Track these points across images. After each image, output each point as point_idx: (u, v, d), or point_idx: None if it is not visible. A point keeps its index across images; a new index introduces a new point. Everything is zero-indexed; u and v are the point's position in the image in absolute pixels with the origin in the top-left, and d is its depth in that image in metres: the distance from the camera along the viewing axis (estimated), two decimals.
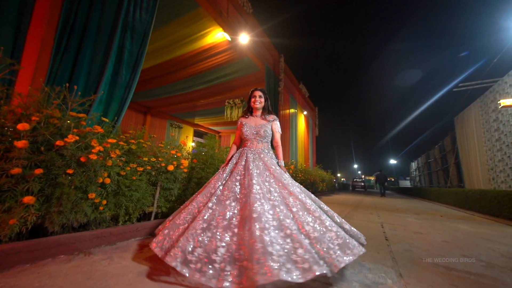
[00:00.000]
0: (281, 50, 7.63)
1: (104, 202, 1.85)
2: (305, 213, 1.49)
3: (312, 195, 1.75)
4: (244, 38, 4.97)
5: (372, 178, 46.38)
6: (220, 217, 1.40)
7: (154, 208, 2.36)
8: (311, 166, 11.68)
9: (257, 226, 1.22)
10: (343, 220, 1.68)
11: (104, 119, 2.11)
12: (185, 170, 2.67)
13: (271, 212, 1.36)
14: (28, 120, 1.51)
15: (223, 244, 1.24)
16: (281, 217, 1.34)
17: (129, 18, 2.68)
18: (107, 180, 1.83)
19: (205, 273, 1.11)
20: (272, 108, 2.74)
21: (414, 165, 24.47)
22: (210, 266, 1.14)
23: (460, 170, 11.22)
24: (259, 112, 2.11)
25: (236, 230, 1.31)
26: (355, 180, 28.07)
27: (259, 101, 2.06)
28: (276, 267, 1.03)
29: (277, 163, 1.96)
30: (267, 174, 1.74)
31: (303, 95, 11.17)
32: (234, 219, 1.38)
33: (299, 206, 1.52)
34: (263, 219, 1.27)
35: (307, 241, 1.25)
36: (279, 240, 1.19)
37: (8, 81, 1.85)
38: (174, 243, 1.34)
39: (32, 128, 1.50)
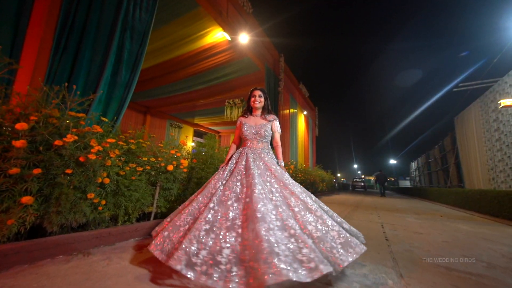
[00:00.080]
0: (281, 50, 7.62)
1: (103, 202, 1.84)
2: (307, 212, 1.50)
3: (312, 196, 1.74)
4: (244, 38, 4.96)
5: (372, 178, 46.39)
6: (223, 218, 1.39)
7: (153, 208, 2.36)
8: (311, 166, 11.68)
9: (262, 226, 1.21)
10: (343, 220, 1.68)
11: (103, 118, 2.10)
12: (185, 170, 2.66)
13: (274, 212, 1.36)
14: (26, 119, 1.50)
15: (228, 245, 1.22)
16: (284, 217, 1.34)
17: (129, 17, 2.68)
18: (106, 180, 1.82)
19: (211, 275, 1.09)
20: (272, 108, 2.73)
21: (414, 165, 24.47)
22: (216, 268, 1.12)
23: (460, 170, 11.22)
24: (259, 112, 2.11)
25: (240, 230, 1.30)
26: (355, 180, 28.06)
27: (259, 100, 2.05)
28: (283, 267, 1.02)
29: (277, 163, 1.95)
30: (268, 174, 1.74)
31: (303, 95, 11.16)
32: (237, 219, 1.37)
33: (301, 206, 1.53)
34: (267, 219, 1.27)
35: (310, 240, 1.25)
36: (284, 240, 1.19)
37: (6, 80, 1.84)
38: (176, 245, 1.31)
39: (30, 128, 1.49)
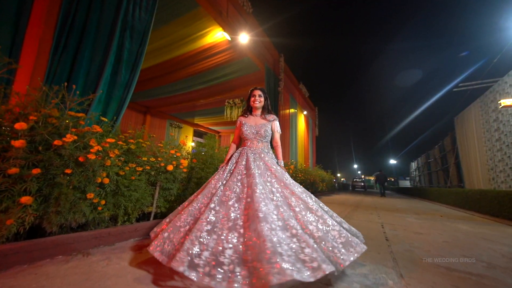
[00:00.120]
0: (281, 50, 7.62)
1: (103, 202, 1.84)
2: (308, 212, 1.50)
3: (312, 196, 1.74)
4: (244, 38, 4.96)
5: (372, 178, 46.40)
6: (224, 218, 1.38)
7: (153, 208, 2.35)
8: (311, 166, 11.67)
9: (264, 226, 1.21)
10: (342, 219, 1.68)
11: (103, 118, 2.10)
12: (185, 170, 2.66)
13: (275, 212, 1.36)
14: (26, 119, 1.50)
15: (230, 245, 1.22)
16: (286, 217, 1.35)
17: (129, 17, 2.67)
18: (106, 180, 1.81)
19: (214, 276, 1.09)
20: (272, 108, 2.73)
21: (414, 165, 24.48)
22: (218, 269, 1.11)
23: (460, 170, 11.22)
24: (258, 112, 2.10)
25: (242, 230, 1.29)
26: (355, 180, 28.05)
27: (258, 100, 2.05)
28: (287, 267, 1.02)
29: (277, 163, 1.95)
30: (269, 174, 1.74)
31: (303, 95, 11.16)
32: (239, 219, 1.36)
33: (301, 206, 1.54)
34: (269, 220, 1.27)
35: (312, 240, 1.26)
36: (286, 240, 1.19)
37: (6, 80, 1.84)
38: (177, 246, 1.30)
39: (30, 128, 1.49)
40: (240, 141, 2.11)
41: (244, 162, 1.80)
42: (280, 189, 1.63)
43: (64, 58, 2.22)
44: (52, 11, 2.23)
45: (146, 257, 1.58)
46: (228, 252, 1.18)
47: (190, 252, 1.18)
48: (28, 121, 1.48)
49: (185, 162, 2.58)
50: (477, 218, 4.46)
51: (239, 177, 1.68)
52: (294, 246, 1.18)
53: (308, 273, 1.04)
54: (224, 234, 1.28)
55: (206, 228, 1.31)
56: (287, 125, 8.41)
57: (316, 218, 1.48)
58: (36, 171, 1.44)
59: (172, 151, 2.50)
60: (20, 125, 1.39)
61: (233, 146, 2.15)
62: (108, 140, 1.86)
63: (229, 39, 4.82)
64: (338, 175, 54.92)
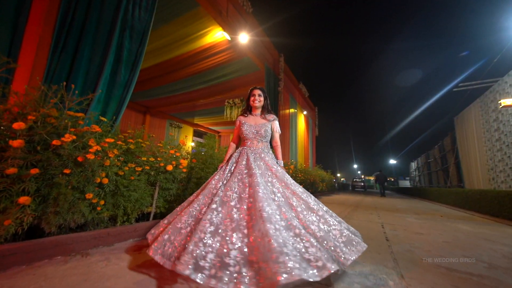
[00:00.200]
0: (281, 49, 7.61)
1: (102, 202, 1.83)
2: (309, 212, 1.51)
3: (312, 196, 1.74)
4: (244, 38, 4.95)
5: (372, 178, 46.40)
6: (227, 219, 1.36)
7: (152, 209, 2.34)
8: (311, 166, 11.67)
9: (269, 226, 1.20)
10: (342, 219, 1.68)
11: (102, 118, 2.09)
12: (184, 170, 2.65)
13: (278, 212, 1.36)
14: (24, 119, 1.49)
15: (235, 246, 1.21)
16: (289, 217, 1.35)
17: (128, 16, 2.66)
18: (105, 180, 1.81)
19: (221, 278, 1.07)
20: (272, 108, 2.72)
21: (413, 165, 24.47)
22: (225, 271, 1.10)
23: (460, 170, 11.21)
24: (258, 111, 2.09)
25: (245, 231, 1.28)
26: (354, 180, 28.03)
27: (258, 99, 2.04)
28: (294, 266, 1.02)
29: (277, 163, 1.94)
30: (269, 174, 1.73)
31: (303, 95, 11.15)
32: (242, 220, 1.35)
33: (303, 206, 1.55)
34: (273, 220, 1.26)
35: (314, 240, 1.26)
36: (290, 240, 1.19)
37: (4, 79, 1.83)
38: (178, 248, 1.28)
39: (28, 127, 1.48)
40: (240, 141, 2.10)
41: (244, 162, 1.79)
42: (281, 189, 1.63)
43: (63, 57, 2.21)
44: (51, 10, 2.22)
45: (146, 257, 1.58)
46: (233, 253, 1.17)
47: (195, 254, 1.15)
48: (27, 120, 1.47)
49: (184, 162, 2.58)
50: (477, 218, 4.46)
51: (240, 177, 1.67)
52: (298, 246, 1.18)
53: (314, 272, 1.04)
54: (228, 235, 1.26)
55: (209, 229, 1.29)
56: (287, 125, 8.40)
57: (318, 218, 1.49)
58: (34, 171, 1.43)
59: (172, 151, 2.49)
60: (18, 125, 1.38)
61: (233, 145, 2.15)
62: (107, 140, 1.85)
63: (229, 39, 4.81)
64: (338, 175, 54.92)
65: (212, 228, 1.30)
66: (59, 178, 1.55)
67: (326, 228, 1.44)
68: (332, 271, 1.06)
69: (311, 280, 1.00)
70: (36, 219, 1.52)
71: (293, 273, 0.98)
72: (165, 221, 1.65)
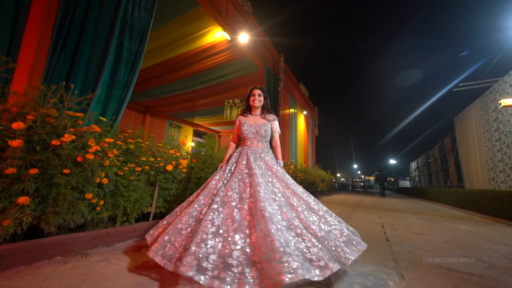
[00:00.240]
0: (281, 49, 7.61)
1: (102, 202, 1.82)
2: (310, 212, 1.52)
3: (312, 195, 1.74)
4: (244, 38, 4.94)
5: (372, 178, 46.40)
6: (228, 219, 1.36)
7: (152, 209, 2.34)
8: (310, 166, 11.66)
9: (271, 226, 1.20)
10: (341, 219, 1.68)
11: (102, 118, 2.08)
12: (184, 170, 2.65)
13: (279, 212, 1.37)
14: (23, 119, 1.49)
15: (237, 246, 1.20)
16: (290, 217, 1.36)
17: (128, 16, 2.66)
18: (105, 180, 1.80)
19: (224, 279, 1.07)
20: (272, 108, 2.72)
21: (413, 165, 24.47)
22: (228, 271, 1.10)
23: (460, 170, 11.21)
24: (258, 111, 2.09)
25: (247, 231, 1.28)
26: (354, 180, 28.02)
27: (258, 99, 2.04)
28: (297, 266, 1.02)
29: (276, 163, 1.94)
30: (270, 174, 1.73)
31: (303, 95, 11.15)
32: (243, 220, 1.35)
33: (303, 206, 1.55)
34: (274, 220, 1.26)
35: (316, 240, 1.26)
36: (292, 240, 1.19)
37: (4, 79, 1.82)
38: (179, 249, 1.27)
39: (27, 127, 1.47)
40: (239, 141, 2.09)
41: (244, 162, 1.79)
42: (281, 189, 1.63)
43: (63, 57, 2.21)
44: (51, 10, 2.22)
45: (145, 258, 1.57)
46: (236, 253, 1.17)
47: (198, 255, 1.14)
48: (26, 120, 1.47)
49: (184, 162, 2.57)
50: (477, 218, 4.45)
51: (240, 177, 1.66)
52: (300, 246, 1.18)
53: (317, 271, 1.05)
54: (230, 236, 1.26)
55: (211, 230, 1.28)
56: (287, 125, 8.40)
57: (318, 218, 1.50)
58: (33, 171, 1.42)
59: (172, 151, 2.49)
60: (17, 125, 1.38)
61: (232, 145, 2.14)
62: (107, 140, 1.84)
63: (229, 38, 4.80)
64: (338, 175, 54.94)
65: (213, 229, 1.30)
66: (59, 178, 1.55)
67: (326, 228, 1.45)
68: (334, 271, 1.06)
69: (314, 280, 1.01)
70: (36, 219, 1.51)
71: (297, 273, 0.98)
72: (164, 222, 1.64)
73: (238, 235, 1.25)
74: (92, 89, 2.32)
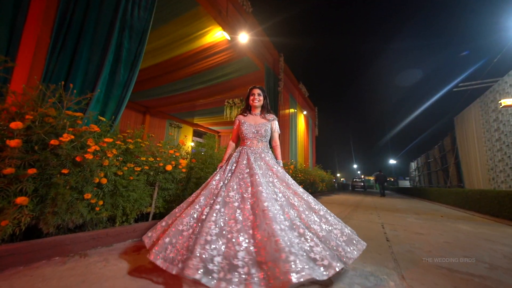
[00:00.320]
0: (281, 49, 7.60)
1: (101, 202, 1.82)
2: (311, 212, 1.52)
3: (311, 196, 1.73)
4: (244, 37, 4.94)
5: (372, 178, 46.39)
6: (231, 220, 1.35)
7: (152, 209, 2.33)
8: (310, 166, 11.65)
9: (275, 226, 1.19)
10: (340, 219, 1.67)
11: (101, 118, 2.08)
12: (184, 170, 2.64)
13: (281, 212, 1.37)
14: (22, 118, 1.48)
15: (242, 247, 1.19)
16: (292, 217, 1.37)
17: (127, 16, 2.65)
18: (104, 180, 1.79)
19: (231, 281, 1.05)
20: (272, 108, 2.71)
21: (413, 165, 24.47)
22: (234, 273, 1.09)
23: (460, 170, 11.21)
24: (258, 111, 2.08)
25: (251, 231, 1.26)
26: (354, 180, 28.01)
27: (258, 99, 2.03)
28: (303, 266, 1.02)
29: (276, 162, 1.93)
30: (270, 174, 1.73)
31: (303, 94, 11.14)
32: (246, 220, 1.34)
33: (304, 206, 1.56)
34: (278, 220, 1.26)
35: (318, 239, 1.27)
36: (295, 240, 1.19)
37: (2, 79, 1.81)
38: (181, 251, 1.24)
39: (26, 127, 1.47)
40: (239, 140, 2.09)
41: (245, 162, 1.78)
42: (282, 189, 1.63)
43: (62, 57, 2.20)
44: (50, 10, 2.21)
45: (145, 258, 1.56)
46: (241, 254, 1.16)
47: (203, 257, 1.12)
48: (24, 120, 1.46)
49: (184, 162, 2.56)
50: (477, 218, 4.45)
51: (241, 177, 1.65)
52: (303, 245, 1.19)
53: (322, 270, 1.05)
54: (234, 237, 1.25)
55: (214, 231, 1.26)
56: (287, 125, 8.39)
57: (319, 218, 1.50)
58: (32, 171, 1.41)
59: (171, 151, 2.48)
60: (15, 124, 1.37)
61: (232, 144, 2.13)
62: (106, 139, 1.84)
63: (229, 38, 4.80)
64: (338, 175, 54.94)
65: (217, 230, 1.28)
66: (57, 178, 1.54)
67: (328, 228, 1.46)
68: (338, 270, 1.07)
69: (320, 279, 1.01)
70: (34, 220, 1.51)
71: (304, 273, 0.98)
72: (163, 224, 1.59)
73: (242, 236, 1.24)
74: (92, 89, 2.32)
